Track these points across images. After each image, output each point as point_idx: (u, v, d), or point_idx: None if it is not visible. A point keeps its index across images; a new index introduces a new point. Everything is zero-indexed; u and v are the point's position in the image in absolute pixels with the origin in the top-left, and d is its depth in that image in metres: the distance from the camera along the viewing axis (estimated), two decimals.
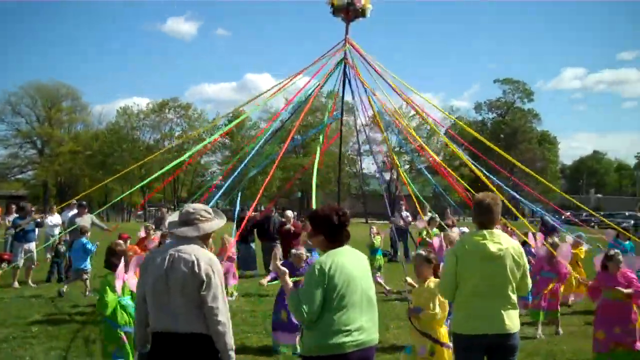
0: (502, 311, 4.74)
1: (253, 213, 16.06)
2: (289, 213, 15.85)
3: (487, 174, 11.27)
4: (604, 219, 13.11)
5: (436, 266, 6.16)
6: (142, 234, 12.68)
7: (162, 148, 67.42)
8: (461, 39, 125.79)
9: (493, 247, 4.77)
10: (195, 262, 4.13)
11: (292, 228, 14.97)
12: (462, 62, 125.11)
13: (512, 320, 4.78)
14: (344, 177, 56.56)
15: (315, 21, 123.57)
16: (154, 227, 13.15)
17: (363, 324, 4.19)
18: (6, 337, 8.80)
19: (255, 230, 16.52)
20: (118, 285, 6.25)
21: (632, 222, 17.72)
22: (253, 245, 16.47)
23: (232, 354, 4.18)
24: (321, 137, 11.19)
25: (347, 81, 10.71)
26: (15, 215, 15.13)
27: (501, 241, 4.82)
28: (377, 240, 13.75)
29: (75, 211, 15.24)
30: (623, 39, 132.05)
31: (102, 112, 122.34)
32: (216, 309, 4.10)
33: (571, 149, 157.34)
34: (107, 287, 6.27)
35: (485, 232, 4.85)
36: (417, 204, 12.54)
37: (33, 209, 16.20)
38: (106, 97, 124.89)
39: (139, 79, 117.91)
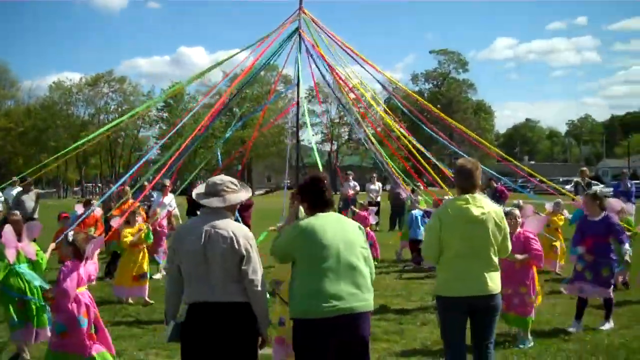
0: (485, 273, 4.89)
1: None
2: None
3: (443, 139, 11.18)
4: (558, 187, 12.51)
5: None
6: (79, 209, 11.88)
7: (97, 123, 66.11)
8: (394, 11, 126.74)
9: (476, 211, 4.90)
10: (234, 237, 4.21)
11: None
12: (394, 35, 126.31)
13: (494, 281, 4.93)
14: (284, 151, 56.51)
15: None
16: (93, 201, 12.90)
17: (341, 291, 4.16)
18: None
19: None
20: (9, 253, 6.35)
21: (572, 185, 18.06)
22: None
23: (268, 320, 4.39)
24: (295, 116, 10.81)
25: (301, 50, 10.40)
26: None
27: (483, 205, 4.96)
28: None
29: (19, 189, 15.03)
30: (553, 10, 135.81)
31: (32, 87, 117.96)
32: (256, 280, 4.23)
33: (504, 117, 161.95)
34: None
35: (467, 196, 4.97)
36: (396, 174, 12.37)
37: None
38: (36, 72, 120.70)
39: (69, 54, 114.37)
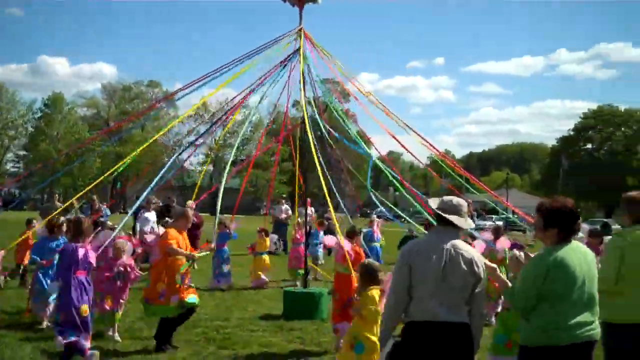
0: None
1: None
2: (190, 203, 15.61)
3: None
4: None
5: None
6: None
7: None
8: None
9: None
10: (474, 259, 4.27)
11: (195, 219, 14.58)
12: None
13: None
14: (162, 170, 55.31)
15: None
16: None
17: (581, 320, 4.17)
18: None
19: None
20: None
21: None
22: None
23: None
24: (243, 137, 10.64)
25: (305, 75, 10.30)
26: None
27: None
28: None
29: None
30: (413, 50, 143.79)
31: None
32: (483, 304, 4.41)
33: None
34: None
35: None
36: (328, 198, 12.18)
37: None
38: None
39: None
